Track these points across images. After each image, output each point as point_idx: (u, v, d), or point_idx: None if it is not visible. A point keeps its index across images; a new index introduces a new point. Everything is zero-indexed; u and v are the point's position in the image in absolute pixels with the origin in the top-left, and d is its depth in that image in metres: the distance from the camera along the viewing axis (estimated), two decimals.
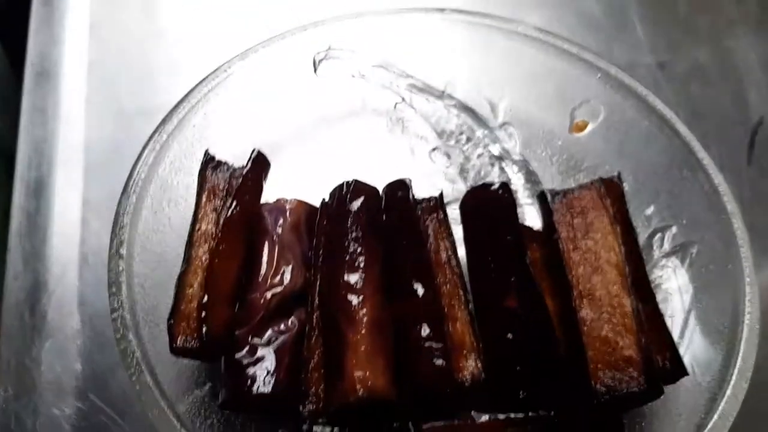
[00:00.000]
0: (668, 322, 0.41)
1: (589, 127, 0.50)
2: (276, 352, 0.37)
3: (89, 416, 0.42)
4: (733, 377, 0.37)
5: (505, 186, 0.43)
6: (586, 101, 0.50)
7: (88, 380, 0.44)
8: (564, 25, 0.61)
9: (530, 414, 0.36)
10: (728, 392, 0.37)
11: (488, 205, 0.42)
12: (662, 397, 0.38)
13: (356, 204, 0.41)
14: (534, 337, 0.37)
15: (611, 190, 0.43)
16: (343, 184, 0.42)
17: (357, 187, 0.42)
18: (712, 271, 0.43)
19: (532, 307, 0.38)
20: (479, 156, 0.52)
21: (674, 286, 0.44)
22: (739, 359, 0.38)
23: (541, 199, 0.44)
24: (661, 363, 0.38)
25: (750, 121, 0.56)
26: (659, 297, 0.43)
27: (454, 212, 0.44)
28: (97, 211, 0.50)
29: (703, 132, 0.53)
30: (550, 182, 0.49)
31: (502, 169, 0.50)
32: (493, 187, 0.43)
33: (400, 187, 0.43)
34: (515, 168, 0.51)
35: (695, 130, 0.48)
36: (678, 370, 0.38)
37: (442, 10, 0.51)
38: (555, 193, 0.44)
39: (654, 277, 0.45)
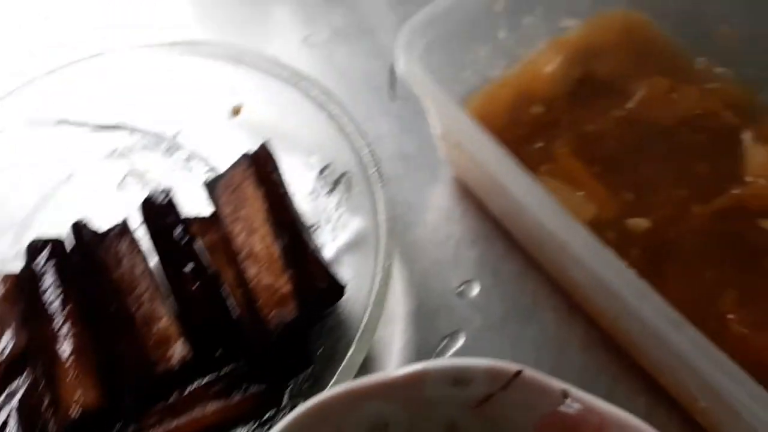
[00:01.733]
0: (333, 245, 0.50)
1: (244, 110, 0.58)
2: (15, 409, 0.44)
3: None
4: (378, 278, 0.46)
5: (163, 192, 0.50)
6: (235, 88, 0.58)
7: None
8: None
9: (225, 370, 0.44)
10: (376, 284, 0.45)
11: (155, 212, 0.49)
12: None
13: (42, 257, 0.47)
14: (213, 307, 0.45)
15: (256, 158, 0.51)
16: (28, 245, 0.48)
17: (33, 245, 0.48)
18: (359, 192, 0.51)
19: (206, 285, 0.46)
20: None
21: (336, 214, 0.53)
22: (380, 258, 0.47)
23: (207, 188, 0.51)
24: (321, 286, 0.46)
25: (387, 64, 0.64)
26: (331, 224, 0.52)
27: None
28: None
29: (349, 86, 0.62)
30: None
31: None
32: (153, 196, 0.50)
33: (80, 228, 0.49)
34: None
35: (343, 87, 0.58)
36: (335, 289, 0.46)
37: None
38: (214, 179, 0.51)
39: (323, 207, 0.53)
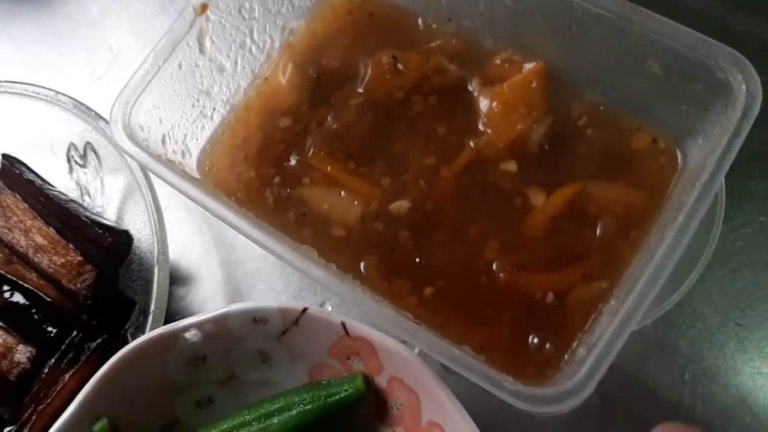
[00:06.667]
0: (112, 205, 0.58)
1: None
2: None
3: None
4: None
5: None
6: None
7: None
8: None
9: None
10: None
11: None
12: None
13: None
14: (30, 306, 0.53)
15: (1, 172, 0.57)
16: None
17: None
18: (107, 154, 0.57)
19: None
20: None
21: (97, 181, 0.59)
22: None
23: None
24: (108, 241, 0.54)
25: None
26: (99, 190, 0.59)
27: None
28: None
29: None
30: None
31: None
32: None
33: None
34: None
35: None
36: (123, 237, 0.55)
37: None
38: None
39: (85, 179, 0.59)
